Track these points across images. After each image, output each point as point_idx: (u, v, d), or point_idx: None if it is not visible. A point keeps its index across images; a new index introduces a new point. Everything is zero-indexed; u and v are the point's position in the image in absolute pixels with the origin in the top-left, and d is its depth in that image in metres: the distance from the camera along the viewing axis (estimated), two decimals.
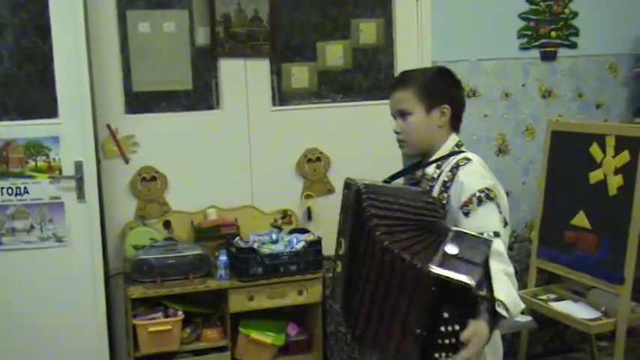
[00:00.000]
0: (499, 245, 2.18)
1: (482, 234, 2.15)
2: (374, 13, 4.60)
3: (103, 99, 4.06)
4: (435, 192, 2.38)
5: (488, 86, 4.77)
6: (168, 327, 3.84)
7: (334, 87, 4.56)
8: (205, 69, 4.30)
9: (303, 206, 4.46)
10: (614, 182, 3.81)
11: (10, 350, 3.87)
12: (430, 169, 2.44)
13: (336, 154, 4.49)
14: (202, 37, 4.25)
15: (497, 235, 2.22)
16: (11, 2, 3.88)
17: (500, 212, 2.33)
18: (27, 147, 3.82)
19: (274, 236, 4.14)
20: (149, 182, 4.20)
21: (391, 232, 2.05)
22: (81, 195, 3.87)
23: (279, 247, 4.05)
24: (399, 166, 2.64)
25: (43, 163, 3.85)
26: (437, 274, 1.87)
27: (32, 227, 3.86)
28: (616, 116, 5.07)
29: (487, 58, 4.75)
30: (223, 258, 3.97)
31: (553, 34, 4.87)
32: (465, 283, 1.86)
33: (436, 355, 1.90)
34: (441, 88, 2.47)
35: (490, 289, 1.97)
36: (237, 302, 3.95)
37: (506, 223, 2.36)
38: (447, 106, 2.45)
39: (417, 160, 2.56)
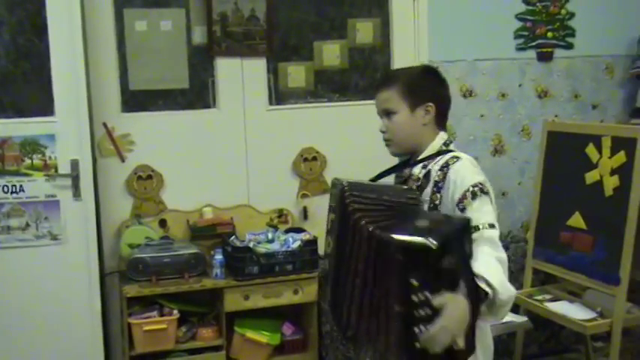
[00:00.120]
0: (493, 234, 2.20)
1: (477, 226, 2.18)
2: (371, 12, 4.60)
3: (100, 97, 4.06)
4: (428, 193, 2.37)
5: (484, 86, 4.77)
6: (164, 326, 3.84)
7: (331, 86, 4.56)
8: (202, 68, 4.30)
9: (299, 205, 4.46)
10: (610, 183, 3.81)
11: (5, 348, 3.87)
12: (416, 169, 2.43)
13: (333, 154, 4.49)
14: (199, 35, 4.25)
15: (492, 226, 2.23)
16: (8, 0, 3.87)
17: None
18: (23, 145, 3.82)
19: (270, 235, 4.14)
20: (145, 181, 4.20)
21: (375, 222, 2.09)
22: (77, 193, 3.86)
23: (274, 247, 4.05)
24: None
25: (39, 161, 3.84)
26: (397, 239, 1.94)
27: (28, 225, 3.86)
28: (612, 117, 5.07)
29: (484, 59, 4.75)
30: (219, 257, 3.97)
31: (549, 34, 4.87)
32: (424, 243, 1.92)
33: (415, 329, 1.94)
34: (425, 87, 2.47)
35: (465, 263, 2.02)
36: (233, 301, 3.95)
37: None
38: (431, 104, 2.44)
39: (404, 159, 2.56)
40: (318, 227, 4.26)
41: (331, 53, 4.51)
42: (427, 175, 2.38)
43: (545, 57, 4.89)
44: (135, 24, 4.14)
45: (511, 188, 4.91)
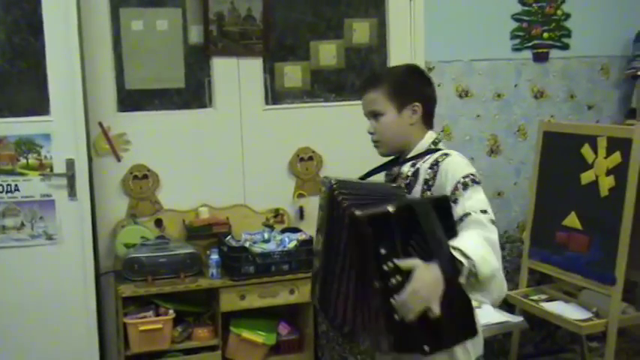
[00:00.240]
0: (483, 217, 2.22)
1: (468, 213, 2.21)
2: (367, 12, 4.60)
3: (96, 96, 4.05)
4: (418, 191, 2.38)
5: (480, 87, 4.78)
6: (159, 326, 3.83)
7: (327, 86, 4.56)
8: (198, 67, 4.29)
9: (296, 205, 4.46)
10: (606, 183, 3.82)
11: (0, 348, 3.85)
12: (405, 168, 2.44)
13: (329, 154, 4.49)
14: (195, 35, 4.25)
15: (484, 212, 2.24)
16: None
17: None
18: (18, 144, 3.81)
19: (266, 235, 4.14)
20: (141, 180, 4.19)
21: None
22: (72, 193, 3.85)
23: (270, 246, 4.05)
24: None
25: (34, 161, 3.83)
26: (364, 213, 2.03)
27: (23, 225, 3.85)
28: (607, 117, 5.08)
29: (480, 59, 4.76)
30: (215, 257, 3.96)
31: (545, 35, 4.88)
32: (383, 210, 2.01)
33: (392, 300, 1.97)
34: (411, 87, 2.47)
35: (439, 235, 2.05)
36: (229, 301, 3.95)
37: None
38: (418, 104, 2.45)
39: (393, 157, 2.56)
40: (314, 227, 4.20)
41: (328, 53, 4.51)
42: (416, 173, 2.39)
43: (541, 57, 4.89)
44: (131, 23, 4.14)
45: (507, 188, 4.92)
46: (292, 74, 4.46)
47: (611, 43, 5.03)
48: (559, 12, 4.89)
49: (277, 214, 4.41)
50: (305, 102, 4.52)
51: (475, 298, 2.14)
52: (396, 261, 2.00)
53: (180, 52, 4.25)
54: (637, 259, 3.79)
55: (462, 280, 2.06)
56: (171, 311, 3.88)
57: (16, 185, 3.82)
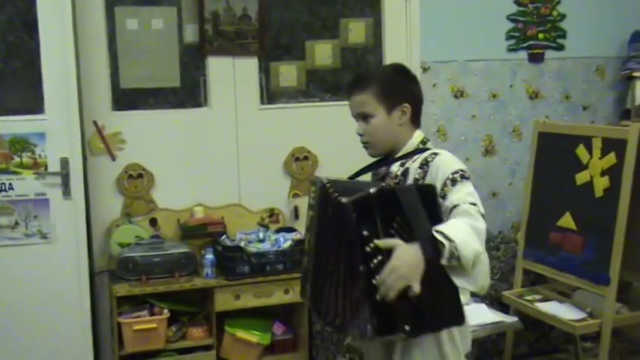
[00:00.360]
0: (471, 208, 2.22)
1: (457, 205, 2.22)
2: (363, 12, 4.60)
3: (90, 95, 4.04)
4: None
5: (475, 87, 4.78)
6: (154, 325, 3.83)
7: (322, 86, 4.56)
8: (193, 66, 4.29)
9: (291, 205, 4.46)
10: (601, 184, 3.82)
11: None
12: (394, 167, 2.45)
13: (324, 153, 4.49)
14: (191, 34, 4.24)
15: (472, 204, 2.24)
16: None
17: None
18: (12, 143, 3.80)
19: (261, 235, 4.14)
20: (135, 179, 4.18)
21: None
22: (66, 192, 3.85)
23: (265, 246, 4.05)
24: None
25: (29, 160, 3.82)
26: (348, 199, 2.07)
27: (17, 223, 3.84)
28: (602, 118, 5.09)
29: (475, 59, 4.76)
30: (209, 256, 3.96)
31: (541, 35, 4.88)
32: (366, 193, 2.06)
33: (373, 281, 2.01)
34: (400, 88, 2.48)
35: (422, 220, 2.09)
36: (223, 301, 3.94)
37: None
38: (407, 104, 2.45)
39: (382, 157, 2.56)
40: None
41: (323, 53, 4.51)
42: (405, 172, 2.40)
43: (536, 58, 4.90)
44: (126, 22, 4.13)
45: (502, 189, 4.92)
46: (288, 74, 4.46)
47: (606, 44, 5.04)
48: (554, 13, 4.89)
49: (272, 213, 4.41)
50: (300, 102, 4.52)
51: (461, 285, 2.14)
52: (376, 241, 2.03)
53: (175, 51, 4.25)
54: (631, 260, 3.80)
55: (444, 261, 2.07)
56: (165, 311, 3.88)
57: (10, 184, 3.81)
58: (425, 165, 2.36)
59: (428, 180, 2.34)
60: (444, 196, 2.26)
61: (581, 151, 3.96)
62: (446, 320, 2.17)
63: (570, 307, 3.99)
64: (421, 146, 2.46)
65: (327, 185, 2.23)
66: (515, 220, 4.87)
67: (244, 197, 4.38)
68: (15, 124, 3.81)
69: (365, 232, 2.03)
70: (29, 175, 3.83)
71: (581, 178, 3.95)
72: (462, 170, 2.32)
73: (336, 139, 4.44)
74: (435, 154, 2.39)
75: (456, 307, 2.16)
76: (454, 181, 2.28)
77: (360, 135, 2.50)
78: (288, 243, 4.04)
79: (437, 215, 2.17)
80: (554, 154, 4.17)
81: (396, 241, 2.05)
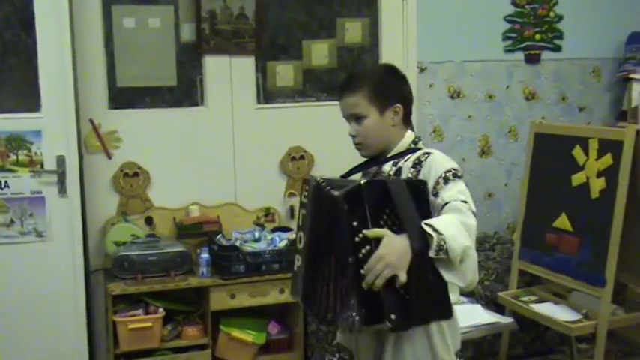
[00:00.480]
0: (462, 205, 2.23)
1: (448, 202, 2.22)
2: (360, 12, 4.60)
3: (87, 94, 4.04)
4: None
5: (472, 88, 4.79)
6: (149, 324, 3.83)
7: (319, 86, 4.56)
8: (190, 65, 4.29)
9: (286, 204, 4.46)
10: (597, 185, 3.82)
11: None
12: (387, 167, 2.45)
13: (320, 153, 4.49)
14: (187, 33, 4.24)
15: (464, 202, 2.24)
16: None
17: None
18: (8, 141, 3.79)
19: (257, 234, 4.14)
20: (131, 178, 4.18)
21: None
22: (62, 190, 3.84)
23: (261, 245, 4.05)
24: None
25: (25, 157, 3.81)
26: (339, 192, 2.09)
27: (12, 222, 3.83)
28: (598, 119, 5.10)
29: (472, 60, 4.77)
30: (205, 255, 3.96)
31: (537, 36, 4.89)
32: (357, 184, 2.11)
33: (361, 270, 2.03)
34: (391, 88, 2.47)
35: (412, 213, 2.11)
36: (219, 300, 3.94)
37: None
38: (399, 105, 2.45)
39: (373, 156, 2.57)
40: None
41: (320, 52, 4.51)
42: (398, 172, 2.40)
43: (532, 59, 4.91)
44: (123, 20, 4.13)
45: (498, 189, 4.93)
46: (284, 73, 4.46)
47: (602, 45, 5.05)
48: (551, 14, 4.90)
49: (268, 213, 4.41)
50: (297, 101, 4.52)
51: (449, 280, 2.14)
52: (365, 231, 2.05)
53: (172, 50, 4.24)
54: (626, 261, 3.80)
55: (432, 253, 2.08)
56: (160, 309, 3.88)
57: (6, 182, 3.80)
58: (418, 164, 2.37)
59: (421, 178, 2.34)
60: (435, 194, 2.27)
61: (577, 152, 3.96)
62: (433, 313, 2.18)
63: (566, 308, 3.99)
64: (412, 146, 2.46)
65: (322, 183, 2.23)
66: (511, 221, 4.87)
67: (240, 196, 4.38)
68: (11, 122, 3.80)
69: (355, 223, 2.05)
70: (25, 173, 3.82)
71: (577, 179, 3.95)
72: (454, 169, 2.32)
73: (333, 139, 4.41)
74: (428, 153, 2.39)
75: (443, 301, 2.17)
76: (446, 180, 2.29)
77: (353, 136, 2.49)
78: (284, 242, 4.04)
79: (426, 210, 2.19)
80: (551, 155, 4.17)
81: (384, 231, 2.07)
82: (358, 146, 2.50)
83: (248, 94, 4.37)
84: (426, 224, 2.09)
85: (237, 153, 4.36)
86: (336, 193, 2.12)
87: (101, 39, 4.09)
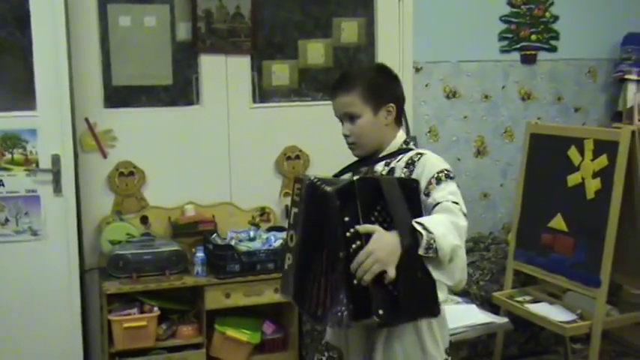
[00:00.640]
0: (453, 206, 2.24)
1: (439, 202, 2.24)
2: (356, 12, 4.60)
3: (82, 92, 4.03)
4: None
5: (468, 88, 4.79)
6: (144, 323, 3.82)
7: (315, 85, 4.56)
8: (186, 64, 4.28)
9: (282, 204, 4.45)
10: (592, 186, 3.83)
11: None
12: (379, 167, 2.45)
13: (316, 153, 4.49)
14: (183, 32, 4.24)
15: (455, 203, 2.25)
16: None
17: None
18: (4, 139, 3.78)
19: (252, 234, 4.14)
20: (127, 177, 4.17)
21: None
22: (57, 189, 3.83)
23: (256, 245, 4.05)
24: None
25: (20, 156, 3.81)
26: (332, 187, 2.12)
27: (7, 220, 3.82)
28: (594, 120, 5.10)
29: (468, 60, 4.77)
30: (200, 254, 3.95)
31: (533, 37, 4.89)
32: (350, 180, 2.14)
33: (351, 265, 2.04)
34: (385, 88, 2.48)
35: (403, 211, 2.13)
36: (214, 299, 3.94)
37: None
38: (392, 104, 2.46)
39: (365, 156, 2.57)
40: None
41: (316, 52, 4.51)
42: (390, 172, 2.41)
43: (528, 59, 4.91)
44: (119, 19, 4.13)
45: (493, 190, 4.93)
46: (280, 72, 4.46)
47: (598, 46, 5.05)
48: (547, 14, 4.90)
49: (263, 212, 4.41)
50: (292, 101, 4.52)
51: (438, 278, 2.15)
52: (356, 226, 2.07)
53: (167, 49, 4.24)
54: (621, 262, 3.81)
55: (421, 251, 2.09)
56: (155, 309, 3.87)
57: (0, 180, 3.79)
58: (411, 164, 2.37)
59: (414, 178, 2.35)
60: (427, 194, 2.28)
61: (572, 152, 3.97)
62: (421, 310, 2.19)
63: (560, 308, 3.99)
64: (404, 146, 2.47)
65: (315, 181, 2.24)
66: (506, 221, 4.87)
67: (235, 196, 4.38)
68: (6, 120, 3.79)
69: (346, 219, 2.07)
70: (20, 171, 3.81)
71: (572, 179, 3.96)
72: (446, 170, 2.34)
73: (328, 139, 4.39)
74: (421, 153, 2.41)
75: (431, 299, 2.18)
76: (439, 180, 2.30)
77: (346, 136, 2.49)
78: (279, 242, 4.03)
79: (418, 209, 2.21)
80: (546, 155, 4.17)
81: (375, 227, 2.08)
82: (351, 146, 2.51)
83: (244, 93, 4.37)
84: (416, 222, 2.11)
85: (233, 152, 4.36)
86: (328, 188, 2.13)
87: (97, 38, 4.08)
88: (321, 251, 2.16)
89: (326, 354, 2.52)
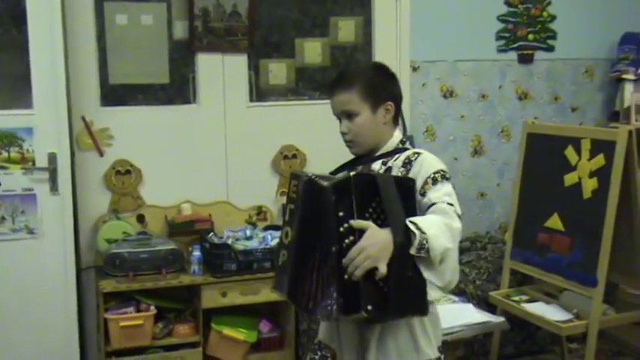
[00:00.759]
0: (448, 208, 2.24)
1: (434, 203, 2.24)
2: (353, 11, 4.59)
3: (79, 91, 4.03)
4: None
5: (465, 87, 4.79)
6: (140, 322, 3.82)
7: (312, 84, 4.55)
8: (183, 63, 4.28)
9: (278, 203, 4.45)
10: (589, 185, 3.83)
11: None
12: (376, 166, 2.45)
13: (313, 152, 4.49)
14: (180, 30, 4.23)
15: (450, 205, 2.25)
16: None
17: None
18: (0, 138, 3.77)
19: (248, 232, 4.14)
20: (123, 176, 4.17)
21: None
22: (54, 187, 3.83)
23: (253, 244, 4.05)
24: None
25: (16, 154, 3.80)
26: (328, 182, 2.14)
27: (4, 219, 3.82)
28: (591, 120, 5.11)
29: (465, 59, 4.77)
30: (197, 253, 3.95)
31: (530, 36, 4.89)
32: (346, 176, 2.15)
33: (343, 260, 2.06)
34: (384, 86, 2.48)
35: (397, 208, 2.14)
36: (210, 298, 3.93)
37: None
38: (390, 103, 2.46)
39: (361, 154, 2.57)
40: None
41: (313, 51, 4.51)
42: (388, 171, 2.40)
43: (525, 59, 4.91)
44: (115, 17, 4.12)
45: (490, 189, 4.93)
46: (277, 71, 4.45)
47: (596, 45, 5.06)
48: (545, 14, 4.91)
49: (260, 211, 4.40)
50: (289, 99, 4.52)
51: (428, 278, 2.16)
52: (350, 221, 2.08)
53: (164, 48, 4.23)
54: (618, 262, 3.81)
55: (413, 251, 2.10)
56: (152, 307, 3.87)
57: None
58: (408, 163, 2.38)
59: (410, 177, 2.35)
60: (423, 194, 2.29)
61: (569, 152, 3.97)
62: (409, 308, 2.20)
63: (557, 308, 3.99)
64: (400, 146, 2.47)
65: (313, 177, 2.24)
66: (503, 221, 4.87)
67: (232, 195, 4.37)
68: (3, 118, 3.78)
69: (341, 214, 2.08)
70: (17, 170, 3.81)
71: (569, 179, 3.96)
72: (443, 171, 2.34)
73: (325, 138, 4.40)
74: (418, 153, 2.41)
75: (420, 297, 2.18)
76: (435, 180, 2.30)
77: (344, 134, 2.49)
78: (276, 241, 4.02)
79: (412, 208, 2.21)
80: (543, 155, 4.17)
81: (368, 223, 2.09)
82: (349, 144, 2.51)
83: (240, 92, 4.37)
84: (410, 222, 2.11)
85: (230, 151, 4.36)
86: (325, 183, 2.15)
87: (93, 36, 4.08)
88: (316, 244, 2.17)
89: (319, 353, 2.52)
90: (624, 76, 4.88)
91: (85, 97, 4.06)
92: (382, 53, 4.55)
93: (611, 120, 4.97)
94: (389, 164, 2.42)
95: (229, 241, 4.01)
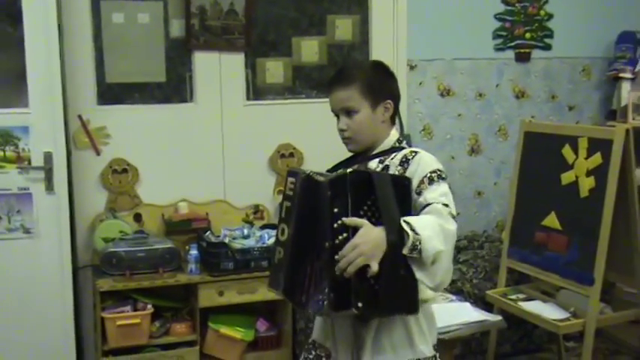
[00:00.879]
0: (443, 209, 2.24)
1: (429, 203, 2.25)
2: (350, 9, 4.59)
3: (75, 89, 4.02)
4: None
5: (462, 86, 4.79)
6: (137, 320, 3.81)
7: (309, 83, 4.55)
8: (179, 61, 4.27)
9: (276, 202, 4.44)
10: (586, 184, 3.83)
11: None
12: (373, 164, 2.45)
13: (310, 150, 4.48)
14: (177, 29, 4.22)
15: (445, 205, 2.26)
16: None
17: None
18: None
19: (246, 231, 4.13)
20: (120, 174, 4.16)
21: None
22: (50, 186, 3.82)
23: (250, 243, 4.04)
24: None
25: (12, 153, 3.79)
26: (325, 178, 2.17)
27: None
28: (588, 118, 5.11)
29: (462, 58, 4.77)
30: (194, 252, 3.95)
31: (528, 35, 4.89)
32: (342, 173, 2.17)
33: (336, 256, 2.08)
34: (383, 84, 2.49)
35: (392, 207, 2.15)
36: (207, 297, 3.93)
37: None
38: (390, 101, 2.46)
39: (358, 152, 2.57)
40: None
41: (310, 49, 4.50)
42: (385, 170, 2.40)
43: (523, 58, 4.91)
44: (112, 16, 4.11)
45: (487, 188, 4.93)
46: (274, 70, 4.45)
47: (593, 44, 5.06)
48: (542, 12, 4.90)
49: (257, 210, 4.40)
50: (286, 98, 4.52)
51: (420, 278, 2.17)
52: (344, 218, 2.10)
53: (161, 46, 4.23)
54: (615, 260, 3.81)
55: (406, 251, 2.11)
56: (149, 306, 3.87)
57: None
58: (405, 162, 2.38)
59: (407, 176, 2.35)
60: (419, 193, 2.29)
61: (566, 151, 3.97)
62: (399, 307, 2.21)
63: (554, 306, 3.99)
64: (397, 144, 2.47)
65: (311, 174, 2.24)
66: (500, 219, 4.88)
67: (229, 193, 4.37)
68: None
69: (335, 210, 2.10)
70: (12, 169, 3.80)
71: (566, 177, 3.96)
72: (439, 170, 2.34)
73: (322, 136, 4.40)
74: (415, 152, 2.41)
75: (411, 297, 2.20)
76: (431, 180, 2.31)
77: (343, 130, 2.49)
78: (273, 239, 4.02)
79: (407, 207, 2.22)
80: (540, 153, 4.17)
81: (362, 221, 2.11)
82: (346, 141, 2.50)
83: (237, 90, 4.36)
84: (404, 221, 2.12)
85: (227, 150, 4.35)
86: (321, 179, 2.17)
87: (90, 34, 4.07)
88: (312, 241, 2.18)
89: (313, 352, 2.51)
90: (621, 75, 4.88)
91: (81, 95, 4.06)
92: (379, 52, 4.55)
93: (608, 118, 4.97)
94: (386, 162, 2.42)
95: (226, 240, 4.01)
